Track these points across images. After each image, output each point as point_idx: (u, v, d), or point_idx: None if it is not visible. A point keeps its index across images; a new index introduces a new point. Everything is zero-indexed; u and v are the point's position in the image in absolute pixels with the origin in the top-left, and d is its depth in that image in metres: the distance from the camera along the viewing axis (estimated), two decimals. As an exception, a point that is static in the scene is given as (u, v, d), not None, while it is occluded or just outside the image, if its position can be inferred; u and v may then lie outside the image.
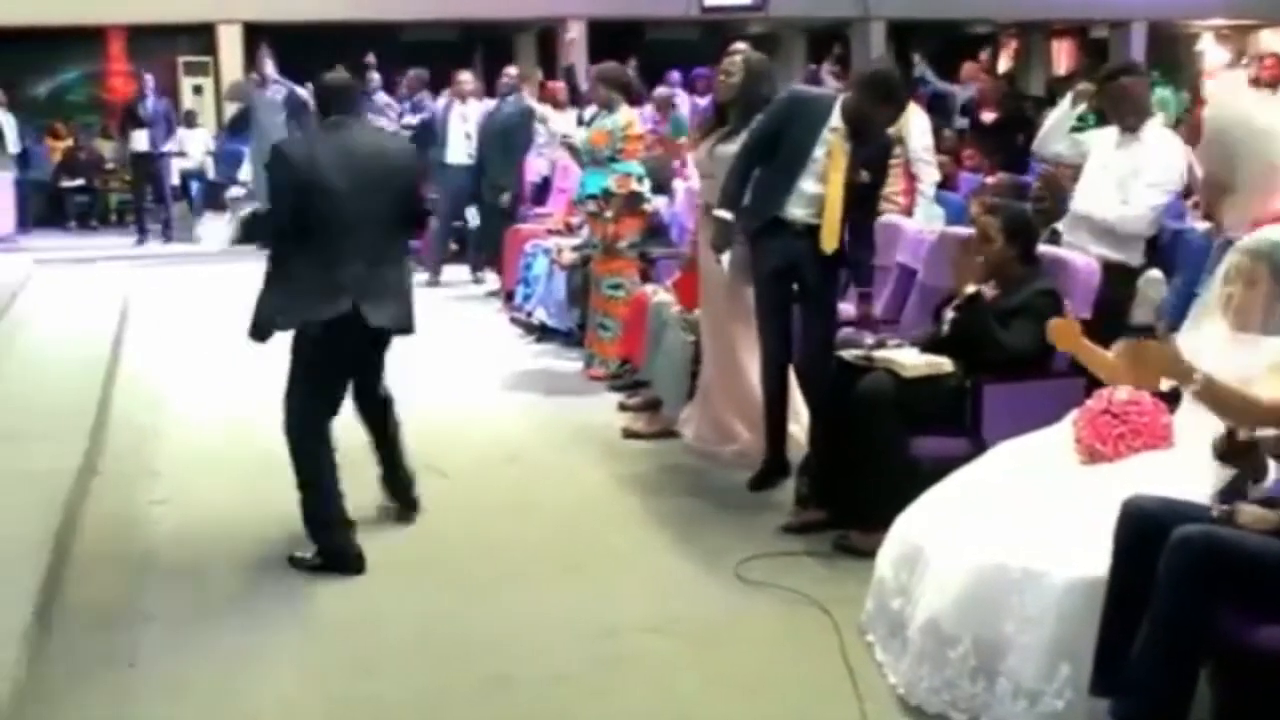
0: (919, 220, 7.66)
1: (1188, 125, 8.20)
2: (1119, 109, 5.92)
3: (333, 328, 5.14)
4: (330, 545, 5.16)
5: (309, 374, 5.31)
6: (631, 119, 8.29)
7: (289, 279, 5.23)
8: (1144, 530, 3.43)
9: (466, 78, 12.87)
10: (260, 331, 5.33)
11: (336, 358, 5.32)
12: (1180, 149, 5.94)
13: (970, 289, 5.20)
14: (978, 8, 22.02)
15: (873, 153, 5.74)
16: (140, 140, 16.24)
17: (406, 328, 5.47)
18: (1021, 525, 3.83)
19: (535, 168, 12.66)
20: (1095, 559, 3.58)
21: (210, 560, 5.32)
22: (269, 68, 15.51)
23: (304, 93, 14.54)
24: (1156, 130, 5.94)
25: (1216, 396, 3.64)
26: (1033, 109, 14.69)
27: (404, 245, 5.68)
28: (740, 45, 6.68)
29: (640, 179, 8.25)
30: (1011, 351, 5.08)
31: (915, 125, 8.15)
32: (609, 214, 8.14)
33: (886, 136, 6.00)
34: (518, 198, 11.93)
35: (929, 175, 8.15)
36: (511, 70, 12.61)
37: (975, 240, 5.38)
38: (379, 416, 5.81)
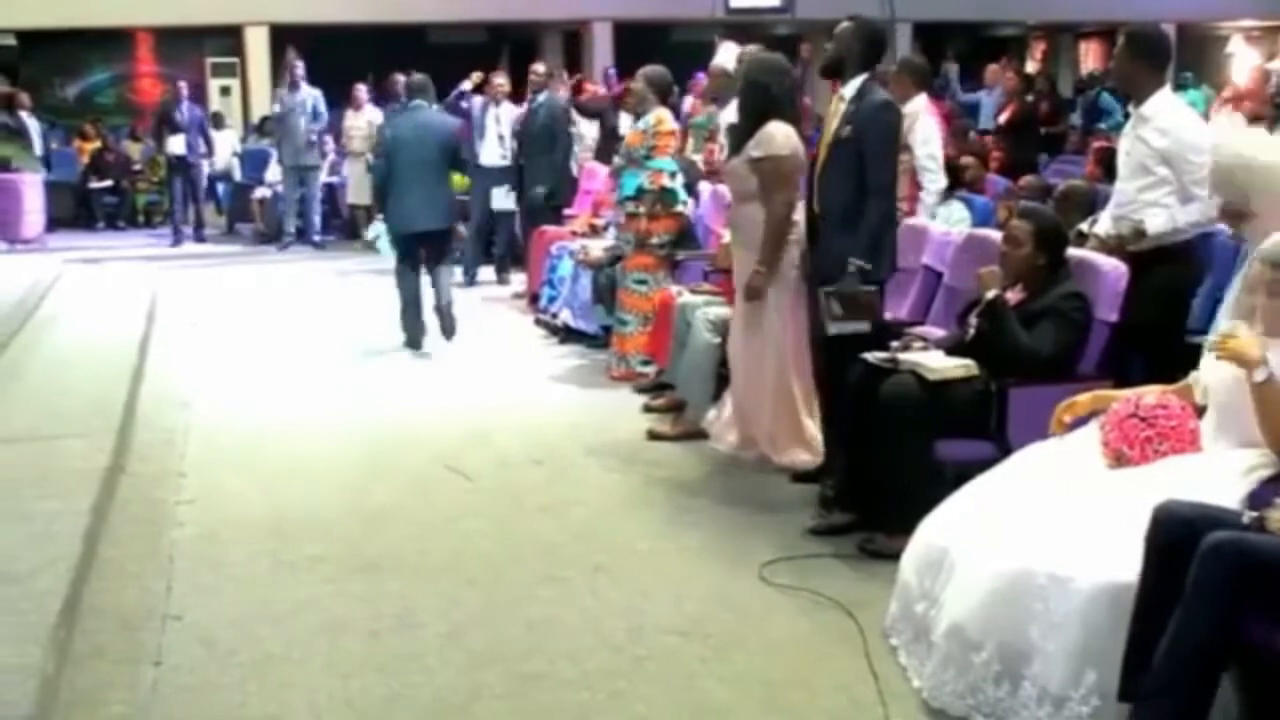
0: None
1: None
2: None
3: (403, 226, 9.37)
4: (407, 329, 9.42)
5: (399, 250, 9.51)
6: (662, 116, 8.30)
7: (387, 199, 9.45)
8: (1176, 536, 3.41)
9: (501, 79, 12.95)
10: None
11: (408, 241, 9.42)
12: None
13: (991, 293, 5.19)
14: (1005, 10, 21.99)
15: (864, 111, 5.70)
16: (177, 144, 16.34)
17: (441, 228, 9.35)
18: (1047, 530, 3.82)
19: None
20: (1122, 564, 3.56)
21: (237, 561, 5.34)
22: (299, 72, 15.62)
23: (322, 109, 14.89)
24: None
25: (1270, 394, 3.74)
26: (1048, 108, 14.57)
27: (447, 177, 9.51)
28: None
29: (673, 174, 8.27)
30: (1035, 356, 5.06)
31: (920, 130, 7.95)
32: (642, 209, 8.16)
33: (883, 103, 5.78)
34: (563, 200, 11.96)
35: (931, 182, 7.96)
36: (539, 68, 12.64)
37: (1003, 243, 5.36)
38: (438, 280, 9.50)
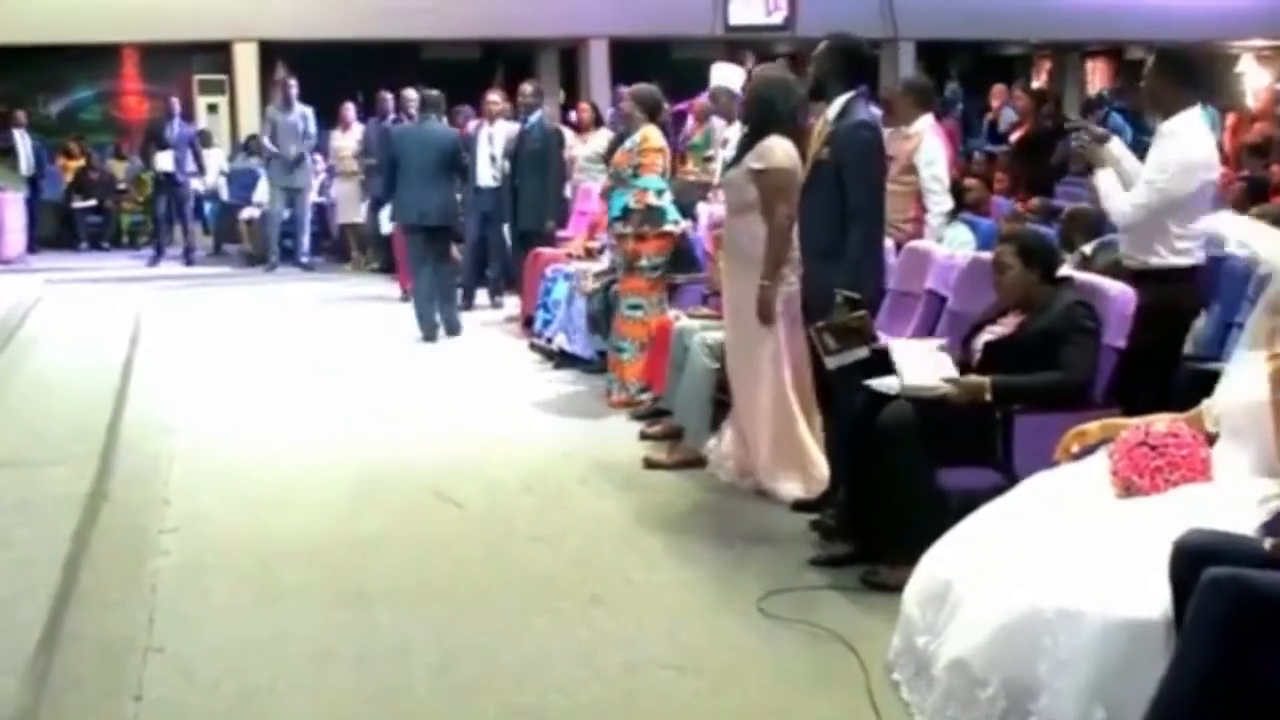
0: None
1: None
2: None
3: (404, 217, 11.12)
4: (420, 322, 10.92)
5: (406, 242, 11.27)
6: (648, 134, 8.28)
7: (394, 194, 11.08)
8: (1199, 568, 3.38)
9: (495, 98, 12.86)
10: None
11: (413, 235, 11.00)
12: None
13: (988, 336, 5.21)
14: (1011, 28, 22.01)
15: (841, 132, 5.70)
16: (165, 161, 16.37)
17: (440, 223, 10.87)
18: (1055, 562, 3.79)
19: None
20: (1133, 598, 3.54)
21: (221, 590, 5.32)
22: (294, 90, 15.67)
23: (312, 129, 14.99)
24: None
25: None
26: (1052, 128, 14.55)
27: (448, 181, 10.97)
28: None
29: (659, 193, 8.22)
30: (1073, 385, 5.09)
31: (925, 150, 7.95)
32: (628, 229, 8.15)
33: (858, 122, 5.76)
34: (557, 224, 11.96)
35: (936, 204, 7.94)
36: (527, 88, 12.53)
37: (994, 273, 5.39)
38: (442, 282, 11.07)
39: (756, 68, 8.50)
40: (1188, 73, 5.75)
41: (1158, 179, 5.52)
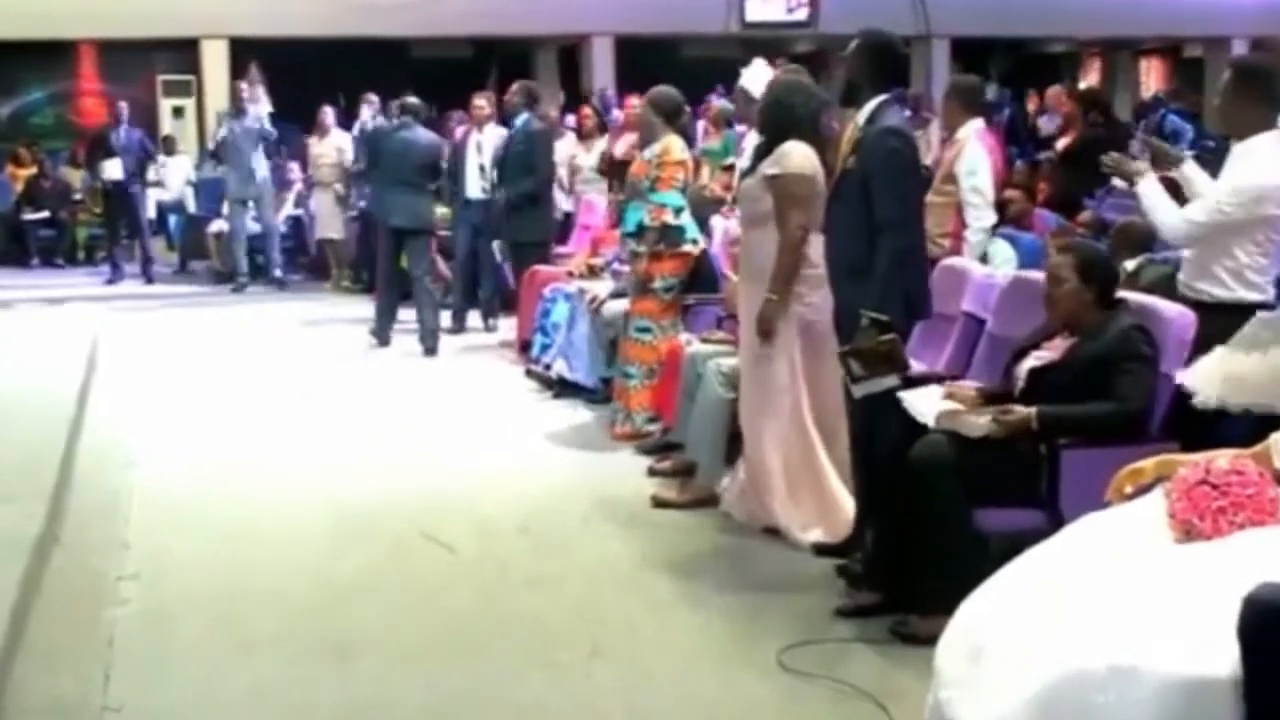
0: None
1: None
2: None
3: (382, 215, 12.18)
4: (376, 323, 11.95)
5: (381, 243, 12.30)
6: (670, 144, 8.26)
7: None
8: (1275, 626, 3.36)
9: (481, 103, 12.81)
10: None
11: (387, 236, 12.00)
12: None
13: (1032, 362, 5.21)
14: (1056, 24, 22.03)
15: (869, 139, 5.69)
16: (114, 169, 16.38)
17: (408, 225, 11.75)
18: (1106, 613, 3.78)
19: (556, 202, 12.71)
20: (1194, 654, 3.52)
21: (186, 643, 5.31)
22: (260, 92, 15.72)
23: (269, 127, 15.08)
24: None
25: None
26: (1105, 129, 14.52)
27: (423, 184, 11.83)
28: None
29: (678, 211, 8.22)
30: (1128, 415, 5.09)
31: (967, 158, 7.88)
32: (643, 248, 8.16)
33: (886, 129, 5.73)
34: (548, 242, 11.95)
35: (975, 219, 7.84)
36: (514, 88, 12.42)
37: (1046, 283, 5.38)
38: (419, 300, 11.79)
39: (776, 74, 8.52)
40: (1266, 89, 5.72)
41: (1227, 202, 5.52)
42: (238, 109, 15.88)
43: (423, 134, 11.96)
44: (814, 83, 6.71)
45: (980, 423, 5.09)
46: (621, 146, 12.76)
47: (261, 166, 15.92)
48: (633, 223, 8.23)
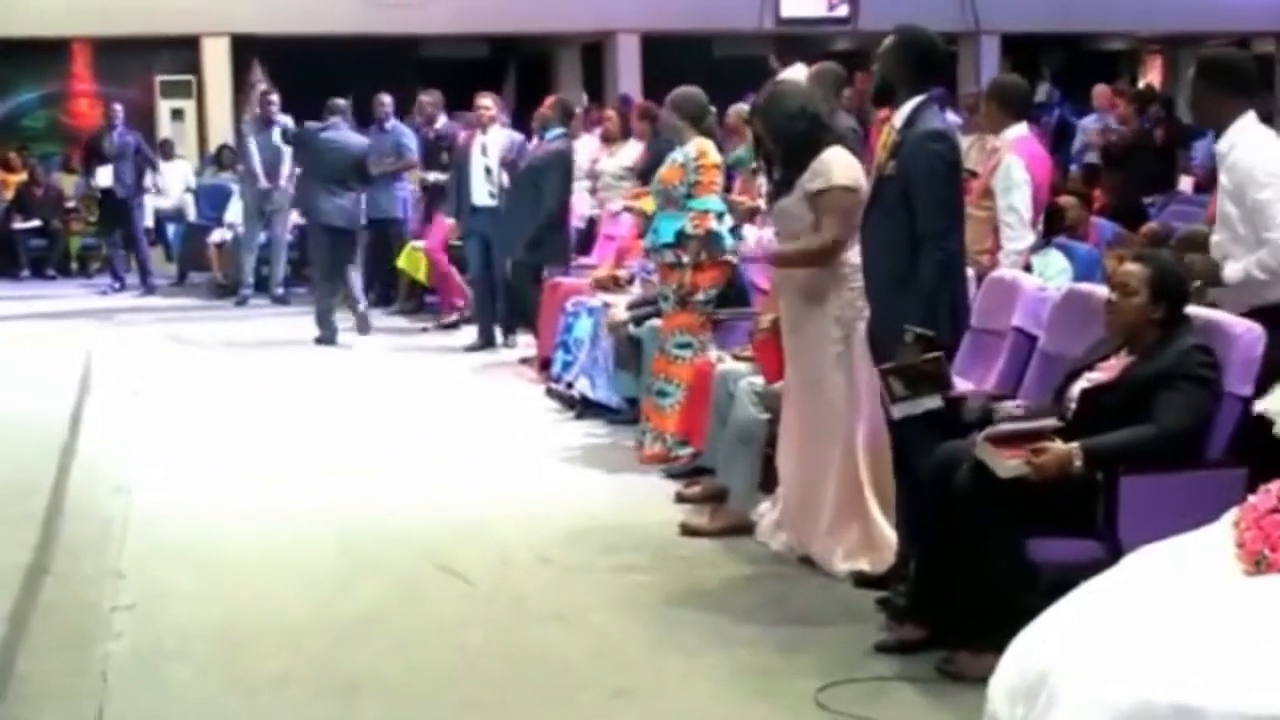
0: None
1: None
2: None
3: (311, 217, 13.57)
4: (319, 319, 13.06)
5: (320, 251, 13.39)
6: (704, 147, 8.28)
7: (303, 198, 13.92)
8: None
9: (486, 103, 12.73)
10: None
11: (320, 236, 13.27)
12: None
13: (1084, 383, 5.18)
14: (1114, 19, 21.93)
15: (910, 142, 5.70)
16: (105, 176, 16.44)
17: (343, 224, 13.01)
18: (1169, 650, 3.76)
19: (577, 210, 12.68)
20: (1263, 693, 3.51)
21: (183, 680, 5.33)
22: (272, 107, 15.73)
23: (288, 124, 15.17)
24: None
25: None
26: (1164, 136, 14.47)
27: (354, 185, 13.10)
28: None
29: (720, 216, 8.22)
30: (1169, 440, 5.03)
31: (1002, 175, 7.59)
32: (686, 259, 8.14)
33: (929, 131, 5.74)
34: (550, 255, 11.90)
35: (1008, 239, 7.53)
36: (550, 101, 12.40)
37: (1112, 290, 5.35)
38: (346, 279, 13.30)
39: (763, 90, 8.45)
40: (1232, 79, 5.86)
41: (1276, 194, 5.52)
42: (266, 119, 15.82)
43: (350, 135, 13.38)
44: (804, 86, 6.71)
45: (1010, 464, 4.99)
46: (630, 155, 12.70)
47: (284, 179, 15.94)
48: (670, 232, 8.18)
